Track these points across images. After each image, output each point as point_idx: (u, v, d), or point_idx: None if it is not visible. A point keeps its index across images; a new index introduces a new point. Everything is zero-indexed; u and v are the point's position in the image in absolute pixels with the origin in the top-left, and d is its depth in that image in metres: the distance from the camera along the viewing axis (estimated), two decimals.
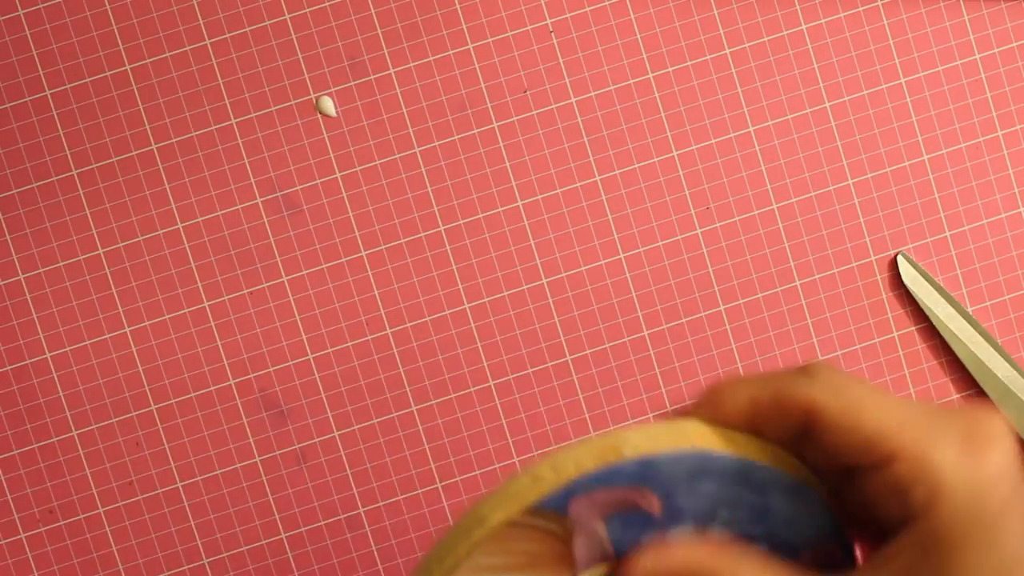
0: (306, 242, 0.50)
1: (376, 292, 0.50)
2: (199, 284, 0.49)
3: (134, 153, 0.49)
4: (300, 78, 0.49)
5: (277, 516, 0.50)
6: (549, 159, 0.50)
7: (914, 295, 0.44)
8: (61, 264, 0.49)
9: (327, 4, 0.49)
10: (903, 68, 0.50)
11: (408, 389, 0.50)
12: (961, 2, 0.50)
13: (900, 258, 0.45)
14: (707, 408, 0.30)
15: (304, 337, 0.49)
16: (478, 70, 0.50)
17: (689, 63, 0.50)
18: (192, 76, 0.49)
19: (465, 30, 0.50)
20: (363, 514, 0.50)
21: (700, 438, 0.30)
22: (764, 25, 0.50)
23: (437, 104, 0.50)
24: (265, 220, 0.50)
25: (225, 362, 0.49)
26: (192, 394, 0.49)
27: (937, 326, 0.46)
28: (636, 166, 0.50)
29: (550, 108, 0.50)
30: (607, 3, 0.50)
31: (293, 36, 0.49)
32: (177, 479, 0.49)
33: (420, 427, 0.50)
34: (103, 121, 0.49)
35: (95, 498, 0.49)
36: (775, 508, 0.30)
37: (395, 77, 0.50)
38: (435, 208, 0.50)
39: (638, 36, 0.50)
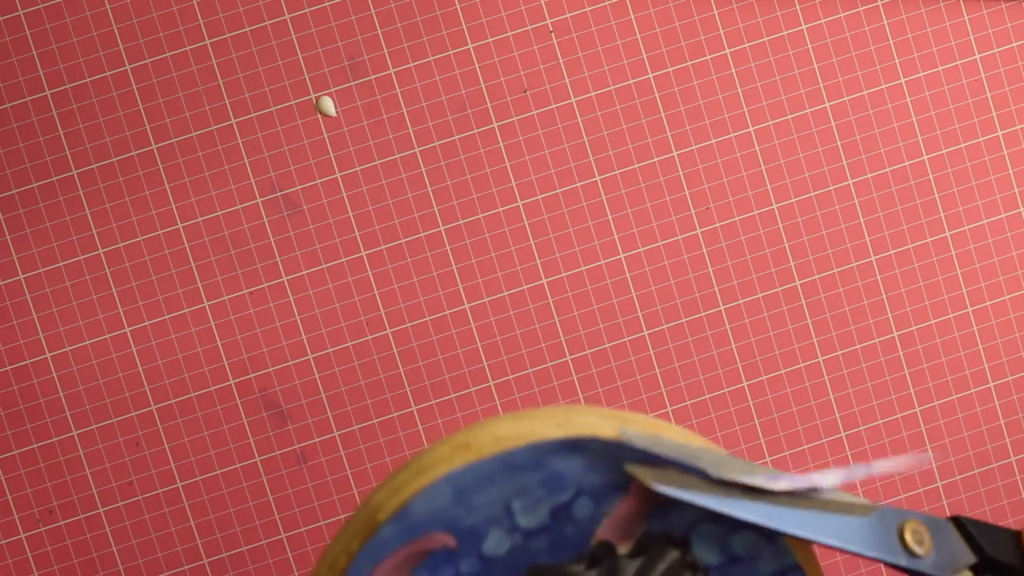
0: (306, 242, 0.50)
1: (376, 292, 0.50)
2: (199, 284, 0.49)
3: (134, 153, 0.49)
4: (300, 78, 0.49)
5: (277, 516, 0.50)
6: (549, 159, 0.50)
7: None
8: (61, 264, 0.49)
9: (327, 4, 0.49)
10: (903, 68, 0.50)
11: (408, 389, 0.50)
12: (961, 2, 0.50)
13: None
14: None
15: (304, 337, 0.49)
16: (478, 70, 0.50)
17: (689, 63, 0.50)
18: (192, 76, 0.49)
19: (465, 30, 0.50)
20: None
21: (440, 466, 0.30)
22: (764, 25, 0.50)
23: (437, 104, 0.50)
24: (265, 220, 0.50)
25: (225, 362, 0.49)
26: (192, 394, 0.49)
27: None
28: (636, 166, 0.50)
29: (550, 108, 0.50)
30: (607, 3, 0.50)
31: (293, 36, 0.49)
32: (177, 479, 0.49)
33: (420, 427, 0.50)
34: (103, 121, 0.49)
35: (95, 498, 0.49)
36: (563, 470, 0.31)
37: (395, 77, 0.50)
38: (435, 208, 0.50)
39: (638, 36, 0.50)
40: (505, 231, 0.50)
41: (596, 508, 0.31)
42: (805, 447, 0.50)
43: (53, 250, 0.49)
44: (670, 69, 0.50)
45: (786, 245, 0.50)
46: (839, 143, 0.50)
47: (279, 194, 0.50)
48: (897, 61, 0.50)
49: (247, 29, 0.49)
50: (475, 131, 0.50)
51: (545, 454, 0.30)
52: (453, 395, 0.50)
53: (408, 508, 0.30)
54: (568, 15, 0.50)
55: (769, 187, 0.50)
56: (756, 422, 0.50)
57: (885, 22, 0.50)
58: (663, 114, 0.50)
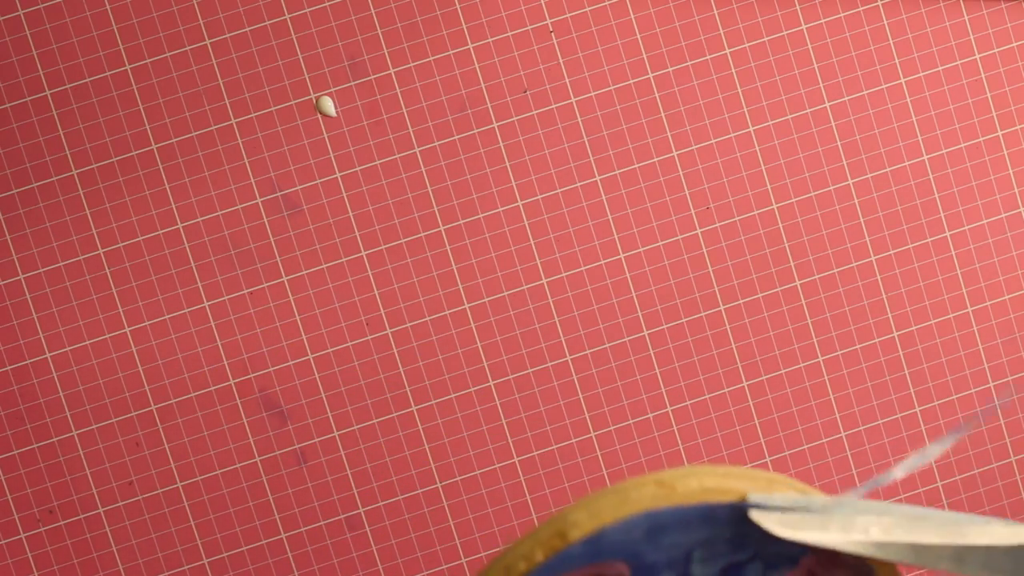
0: (306, 242, 0.50)
1: (376, 292, 0.50)
2: (199, 284, 0.49)
3: (134, 153, 0.49)
4: (300, 78, 0.49)
5: (277, 516, 0.50)
6: (549, 159, 0.50)
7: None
8: (61, 264, 0.49)
9: (327, 4, 0.49)
10: (903, 68, 0.50)
11: (408, 389, 0.50)
12: (961, 2, 0.50)
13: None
14: None
15: (304, 337, 0.50)
16: (478, 70, 0.50)
17: (689, 63, 0.50)
18: (192, 76, 0.49)
19: (465, 30, 0.50)
20: (363, 514, 0.50)
21: (644, 501, 0.31)
22: (764, 25, 0.50)
23: (437, 104, 0.50)
24: (265, 220, 0.50)
25: (225, 362, 0.49)
26: (192, 394, 0.49)
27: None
28: (636, 166, 0.50)
29: (550, 108, 0.50)
30: (607, 3, 0.50)
31: (293, 36, 0.49)
32: (177, 479, 0.49)
33: (420, 427, 0.50)
34: (103, 121, 0.49)
35: (95, 498, 0.49)
36: (753, 532, 0.31)
37: (395, 77, 0.50)
38: (435, 208, 0.50)
39: (638, 36, 0.50)
40: (505, 231, 0.50)
41: (764, 574, 0.31)
42: (805, 447, 0.50)
43: (53, 250, 0.49)
44: (670, 69, 0.50)
45: (786, 245, 0.50)
46: (839, 143, 0.50)
47: (279, 194, 0.50)
48: (897, 61, 0.50)
49: (247, 29, 0.49)
50: (475, 131, 0.50)
51: (744, 514, 0.31)
52: (453, 395, 0.50)
53: (603, 533, 0.31)
54: (568, 15, 0.50)
55: (769, 187, 0.50)
56: (756, 422, 0.50)
57: (885, 22, 0.50)
58: (663, 114, 0.50)
